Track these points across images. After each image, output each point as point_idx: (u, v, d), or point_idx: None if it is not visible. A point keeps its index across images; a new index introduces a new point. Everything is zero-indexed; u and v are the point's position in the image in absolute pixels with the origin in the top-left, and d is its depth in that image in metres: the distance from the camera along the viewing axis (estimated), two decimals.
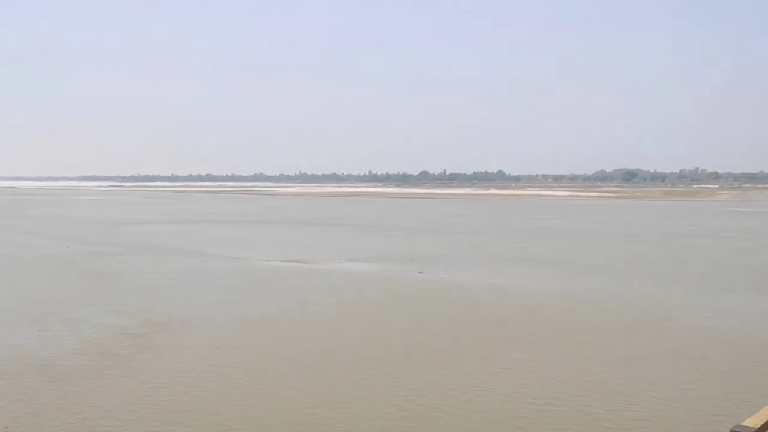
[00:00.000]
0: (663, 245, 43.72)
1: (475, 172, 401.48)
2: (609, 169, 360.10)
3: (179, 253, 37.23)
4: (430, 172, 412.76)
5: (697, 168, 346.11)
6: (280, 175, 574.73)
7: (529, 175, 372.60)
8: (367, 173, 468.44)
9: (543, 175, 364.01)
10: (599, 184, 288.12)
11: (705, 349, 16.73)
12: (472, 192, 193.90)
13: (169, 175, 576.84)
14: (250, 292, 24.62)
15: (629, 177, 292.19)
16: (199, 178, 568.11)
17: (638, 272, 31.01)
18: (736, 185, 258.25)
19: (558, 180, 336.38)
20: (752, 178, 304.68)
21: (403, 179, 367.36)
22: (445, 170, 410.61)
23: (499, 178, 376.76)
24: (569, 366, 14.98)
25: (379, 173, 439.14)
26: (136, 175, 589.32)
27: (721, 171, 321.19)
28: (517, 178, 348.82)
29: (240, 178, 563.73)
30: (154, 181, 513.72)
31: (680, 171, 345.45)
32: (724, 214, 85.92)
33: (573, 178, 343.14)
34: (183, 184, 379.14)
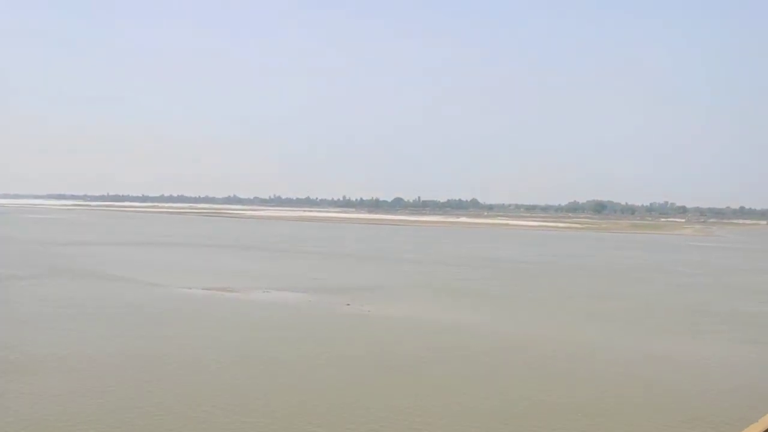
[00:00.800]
0: (609, 279, 42.54)
1: (449, 200, 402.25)
2: (582, 200, 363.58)
3: (96, 278, 34.93)
4: (404, 198, 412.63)
5: (667, 202, 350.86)
6: (255, 197, 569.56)
7: (503, 204, 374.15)
8: (341, 198, 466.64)
9: (516, 204, 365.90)
10: (570, 214, 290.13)
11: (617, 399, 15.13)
12: (442, 220, 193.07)
13: (140, 195, 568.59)
14: (145, 324, 22.54)
15: (599, 209, 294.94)
16: (171, 199, 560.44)
17: (573, 308, 29.56)
18: (702, 219, 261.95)
19: (530, 210, 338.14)
20: (718, 213, 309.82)
21: (376, 205, 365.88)
22: (419, 197, 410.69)
23: (472, 207, 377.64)
24: (454, 418, 13.24)
25: (353, 198, 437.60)
26: (106, 194, 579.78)
27: (689, 205, 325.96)
28: (490, 207, 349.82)
29: (213, 200, 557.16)
30: (124, 201, 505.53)
31: (650, 204, 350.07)
32: (682, 248, 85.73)
33: (545, 209, 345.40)
34: (152, 204, 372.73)
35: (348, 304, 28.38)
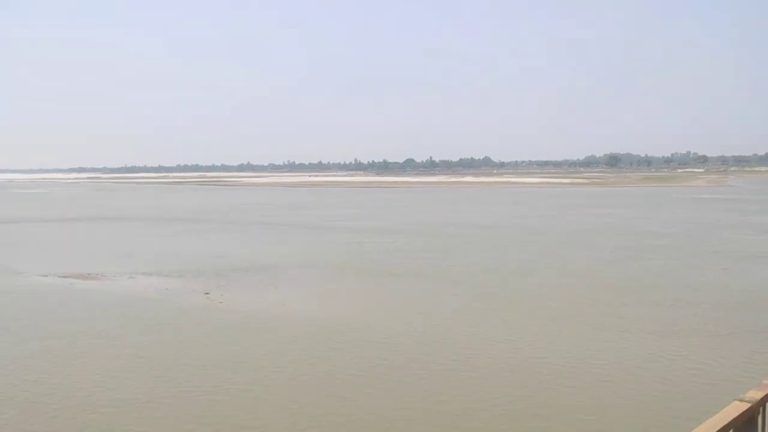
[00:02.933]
0: (557, 246, 36.82)
1: (461, 159, 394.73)
2: (599, 154, 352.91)
3: None
4: (416, 159, 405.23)
5: (689, 152, 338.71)
6: (270, 164, 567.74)
7: (516, 162, 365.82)
8: (352, 161, 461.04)
9: (528, 161, 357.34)
10: (582, 169, 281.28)
11: None
12: (446, 180, 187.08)
13: (156, 165, 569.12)
14: None
15: (614, 162, 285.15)
16: (186, 168, 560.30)
17: (478, 289, 24.27)
18: (722, 169, 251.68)
19: (542, 166, 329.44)
20: (741, 161, 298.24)
21: (385, 167, 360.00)
22: (431, 157, 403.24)
23: (484, 165, 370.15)
24: None
25: (365, 162, 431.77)
26: (125, 166, 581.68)
27: (713, 155, 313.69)
28: (501, 165, 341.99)
29: (228, 168, 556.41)
30: (140, 172, 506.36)
31: (671, 155, 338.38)
32: (680, 202, 79.16)
33: (558, 164, 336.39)
34: (162, 174, 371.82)
35: (207, 293, 23.45)
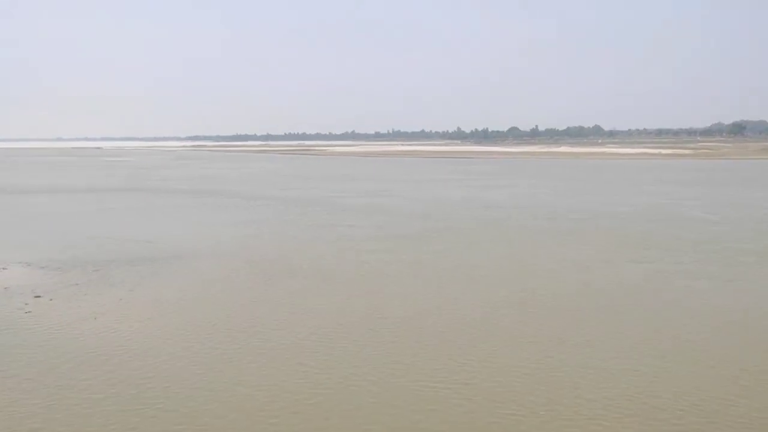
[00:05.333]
0: (565, 236, 29.56)
1: (568, 128, 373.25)
2: (727, 121, 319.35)
3: None
4: (520, 128, 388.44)
5: None
6: (376, 133, 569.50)
7: (628, 130, 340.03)
8: (455, 130, 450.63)
9: (643, 129, 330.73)
10: (699, 138, 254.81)
11: None
12: (537, 150, 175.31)
13: (264, 134, 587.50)
14: None
15: (736, 130, 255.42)
16: (292, 137, 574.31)
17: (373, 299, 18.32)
18: None
19: (658, 135, 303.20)
20: None
21: (485, 136, 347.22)
22: (536, 126, 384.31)
23: (593, 134, 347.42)
24: None
25: (467, 130, 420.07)
26: (235, 134, 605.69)
27: None
28: (611, 134, 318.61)
29: (332, 137, 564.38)
30: (247, 140, 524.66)
31: None
32: None
33: (676, 133, 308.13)
34: (261, 143, 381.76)
35: (38, 296, 19.27)
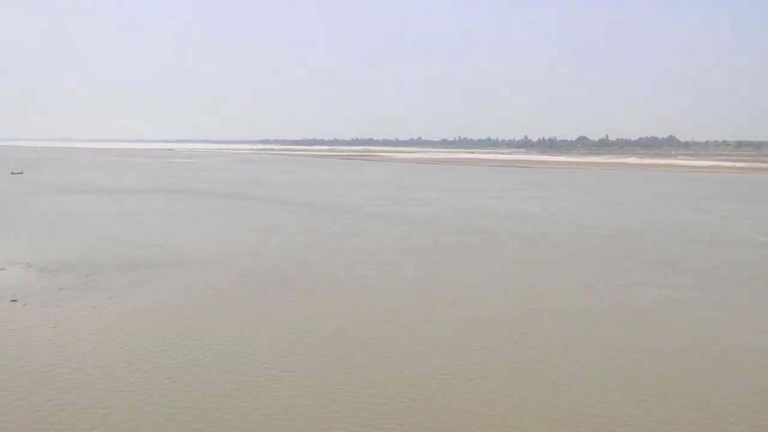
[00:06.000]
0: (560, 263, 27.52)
1: (641, 138, 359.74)
2: None
3: None
4: (589, 137, 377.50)
5: None
6: (443, 140, 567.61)
7: (706, 142, 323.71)
8: (522, 138, 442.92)
9: (722, 141, 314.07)
10: None
11: None
12: (602, 161, 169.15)
13: (332, 138, 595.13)
14: None
15: None
16: (358, 142, 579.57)
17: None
18: None
19: (738, 147, 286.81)
20: None
21: (550, 145, 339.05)
22: (606, 135, 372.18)
23: (667, 144, 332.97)
24: None
25: (534, 139, 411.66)
26: (303, 138, 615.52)
27: None
28: (686, 145, 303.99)
29: (398, 143, 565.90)
30: (314, 144, 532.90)
31: None
32: None
33: (759, 146, 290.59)
34: (329, 148, 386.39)
35: (14, 300, 19.29)
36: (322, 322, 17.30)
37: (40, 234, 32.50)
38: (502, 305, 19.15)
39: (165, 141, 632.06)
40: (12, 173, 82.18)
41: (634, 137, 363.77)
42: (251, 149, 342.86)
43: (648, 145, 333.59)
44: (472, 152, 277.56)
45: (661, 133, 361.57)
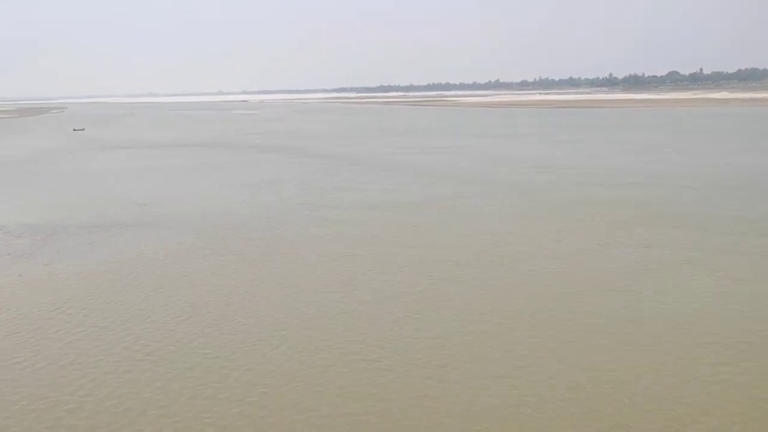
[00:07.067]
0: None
1: (739, 70, 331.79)
2: None
3: None
4: (681, 72, 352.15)
5: None
6: (522, 81, 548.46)
7: None
8: (606, 76, 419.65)
9: None
10: None
11: None
12: (686, 97, 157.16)
13: (407, 84, 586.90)
14: None
15: None
16: (434, 87, 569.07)
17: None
18: None
19: None
20: None
21: (635, 83, 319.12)
22: (700, 69, 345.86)
23: (766, 76, 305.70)
24: None
25: (620, 76, 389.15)
26: (379, 85, 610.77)
27: None
28: None
29: (476, 86, 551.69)
30: (390, 91, 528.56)
31: None
32: None
33: None
34: (403, 93, 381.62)
35: None
36: (239, 288, 15.97)
37: (40, 194, 32.84)
38: (449, 268, 17.09)
39: (244, 92, 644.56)
40: (74, 130, 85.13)
41: (732, 69, 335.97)
42: (324, 98, 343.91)
43: (746, 78, 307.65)
44: (548, 93, 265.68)
45: (764, 65, 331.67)
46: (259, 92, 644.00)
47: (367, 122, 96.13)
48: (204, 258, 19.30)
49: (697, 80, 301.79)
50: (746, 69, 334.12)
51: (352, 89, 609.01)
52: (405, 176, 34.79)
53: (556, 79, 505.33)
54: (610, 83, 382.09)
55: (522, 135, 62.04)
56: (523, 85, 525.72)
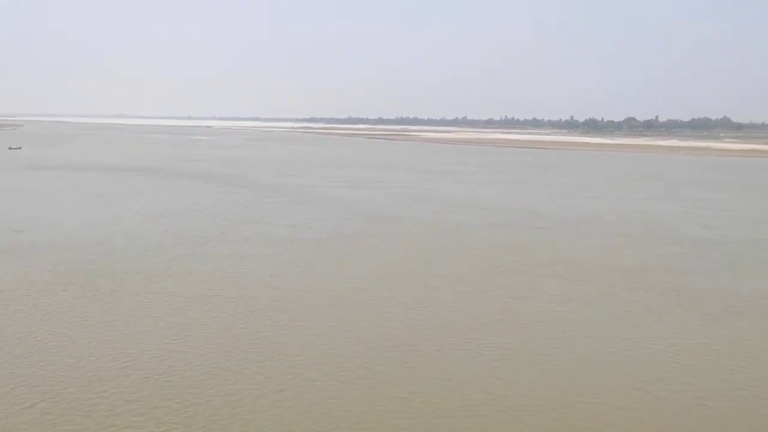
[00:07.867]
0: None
1: (693, 119, 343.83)
2: None
3: None
4: (638, 118, 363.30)
5: None
6: (488, 119, 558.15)
7: (762, 124, 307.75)
8: (568, 118, 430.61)
9: None
10: None
11: None
12: (634, 143, 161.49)
13: (376, 117, 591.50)
14: None
15: None
16: (402, 121, 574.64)
17: None
18: None
19: None
20: None
21: (593, 126, 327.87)
22: (656, 116, 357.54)
23: (720, 126, 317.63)
24: None
25: (581, 119, 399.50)
26: (348, 117, 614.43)
27: None
28: (739, 127, 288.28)
29: (443, 122, 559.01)
30: (358, 123, 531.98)
31: None
32: None
33: None
34: (371, 126, 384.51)
35: None
36: (61, 329, 15.19)
37: None
38: (295, 316, 16.64)
39: (213, 118, 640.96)
40: (9, 148, 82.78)
41: (686, 118, 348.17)
42: (291, 127, 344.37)
43: (699, 127, 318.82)
44: (509, 132, 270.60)
45: (716, 115, 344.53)
46: (228, 119, 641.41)
47: (319, 153, 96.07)
48: (44, 294, 18.30)
49: (651, 127, 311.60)
50: (699, 118, 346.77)
51: (321, 119, 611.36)
52: (320, 211, 34.46)
53: (521, 119, 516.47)
54: (571, 125, 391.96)
55: (464, 173, 62.55)
56: (489, 123, 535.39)
